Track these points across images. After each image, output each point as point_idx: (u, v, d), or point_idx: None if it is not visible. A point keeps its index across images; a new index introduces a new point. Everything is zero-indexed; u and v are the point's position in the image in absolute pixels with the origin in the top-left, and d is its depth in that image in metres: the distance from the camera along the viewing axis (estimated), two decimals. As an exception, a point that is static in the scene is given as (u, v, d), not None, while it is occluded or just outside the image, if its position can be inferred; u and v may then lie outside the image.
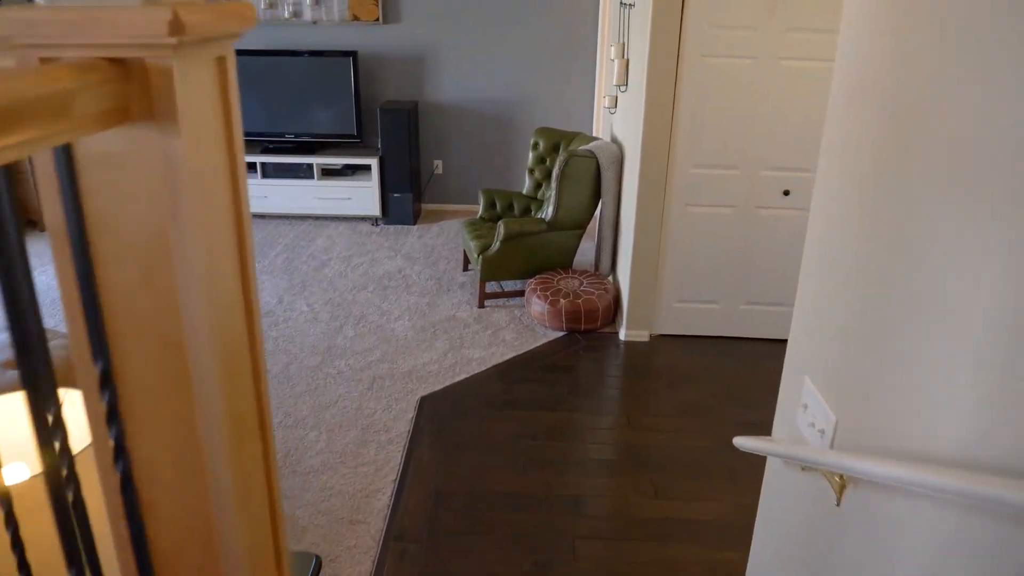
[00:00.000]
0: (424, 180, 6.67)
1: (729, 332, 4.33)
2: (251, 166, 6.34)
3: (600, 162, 4.52)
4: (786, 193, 3.99)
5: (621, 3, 4.71)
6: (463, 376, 3.95)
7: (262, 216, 6.44)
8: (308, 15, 6.16)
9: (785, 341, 2.94)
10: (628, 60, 4.46)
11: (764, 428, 3.42)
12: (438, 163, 6.61)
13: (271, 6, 6.13)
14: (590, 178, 4.54)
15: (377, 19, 6.12)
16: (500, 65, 6.26)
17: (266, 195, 6.27)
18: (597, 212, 4.87)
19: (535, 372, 4.00)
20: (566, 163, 4.45)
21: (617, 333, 4.42)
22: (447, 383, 3.88)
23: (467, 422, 3.55)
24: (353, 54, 5.96)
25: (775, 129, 3.88)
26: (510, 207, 5.24)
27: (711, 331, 4.34)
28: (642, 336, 4.33)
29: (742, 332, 4.33)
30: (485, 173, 6.62)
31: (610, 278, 4.86)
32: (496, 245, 4.61)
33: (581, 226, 4.70)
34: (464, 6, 6.11)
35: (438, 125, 6.48)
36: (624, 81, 4.50)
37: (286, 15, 6.14)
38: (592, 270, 4.91)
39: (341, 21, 6.14)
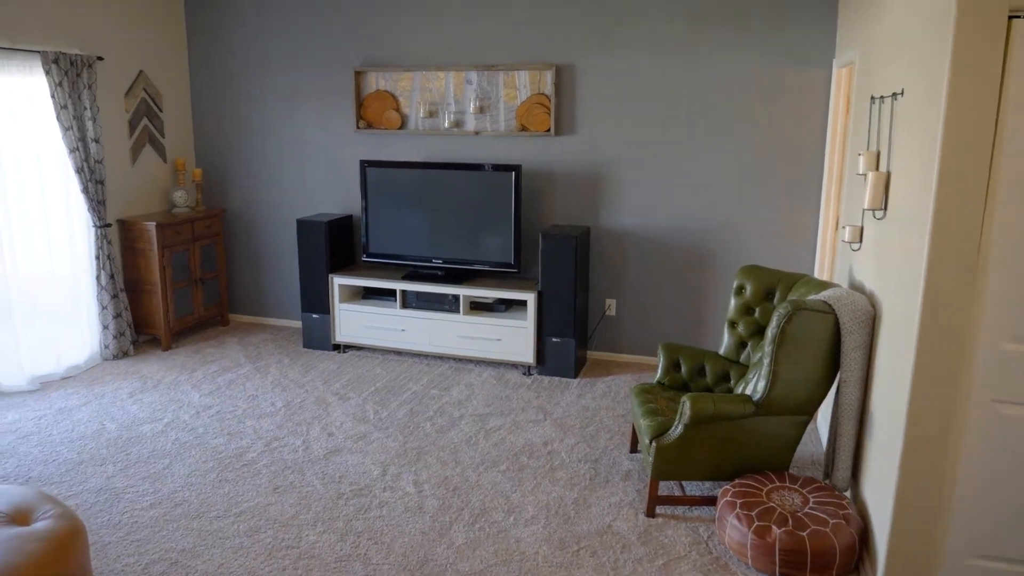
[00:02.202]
0: (592, 323, 5.42)
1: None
2: (390, 293, 5.43)
3: (840, 320, 3.03)
4: None
5: (873, 96, 3.32)
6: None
7: (398, 352, 5.46)
8: (471, 125, 5.32)
9: None
10: (889, 174, 3.02)
11: None
12: (611, 303, 5.35)
13: (430, 115, 5.37)
14: (823, 342, 3.04)
15: (548, 130, 5.14)
16: (693, 185, 5.00)
17: (403, 328, 5.30)
18: (832, 391, 3.32)
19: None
20: (788, 318, 3.00)
21: (866, 593, 2.76)
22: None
23: None
24: (516, 168, 4.98)
25: None
26: (700, 372, 3.81)
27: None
28: (912, 608, 2.63)
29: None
30: (669, 321, 5.25)
31: (849, 495, 3.22)
32: (677, 428, 3.18)
33: (807, 411, 3.17)
34: (651, 115, 4.99)
35: (613, 256, 5.28)
36: (881, 204, 3.05)
37: (446, 124, 5.34)
38: (821, 478, 3.29)
39: (507, 132, 5.23)
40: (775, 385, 3.08)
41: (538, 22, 5.07)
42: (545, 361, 5.06)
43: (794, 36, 4.66)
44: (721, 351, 3.87)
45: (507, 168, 5.00)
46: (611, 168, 5.14)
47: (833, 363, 3.09)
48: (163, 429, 4.17)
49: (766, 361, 3.08)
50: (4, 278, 4.57)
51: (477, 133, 5.29)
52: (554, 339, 5.01)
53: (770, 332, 3.05)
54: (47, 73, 4.58)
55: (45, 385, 4.80)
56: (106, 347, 5.23)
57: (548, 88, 5.10)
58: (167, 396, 4.64)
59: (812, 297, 3.18)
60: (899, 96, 2.93)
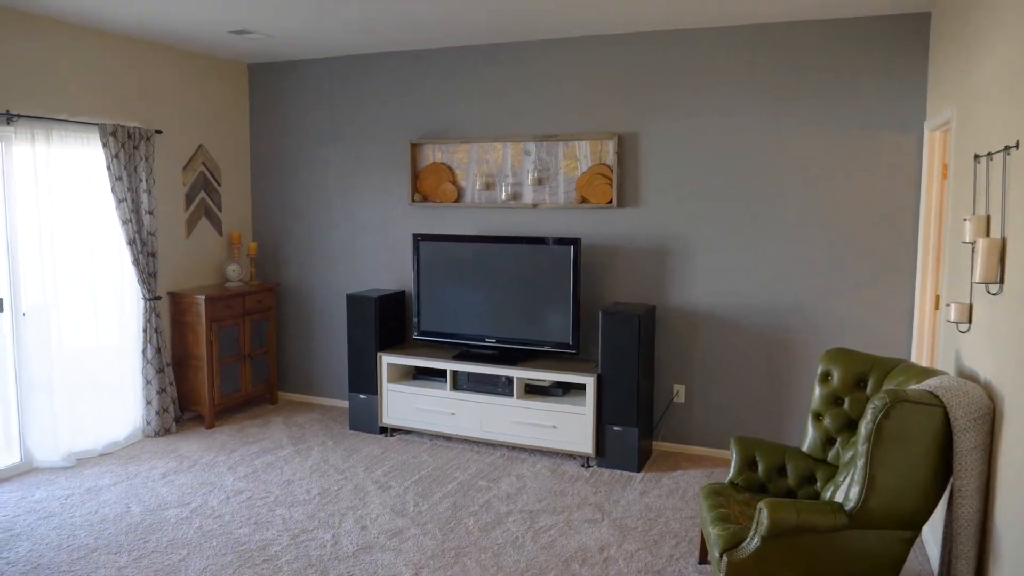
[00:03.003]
0: (658, 411, 4.94)
1: None
2: (440, 374, 5.11)
3: (951, 414, 2.51)
4: None
5: (977, 155, 2.88)
6: None
7: (447, 438, 5.09)
8: (528, 197, 5.07)
9: None
10: (1004, 240, 2.55)
11: None
12: (679, 389, 4.88)
13: (487, 187, 5.15)
14: (931, 441, 2.52)
15: (610, 202, 4.83)
16: (770, 260, 4.56)
17: (453, 411, 4.94)
18: (943, 502, 2.78)
19: None
20: (885, 411, 2.51)
21: None
22: None
23: None
24: (575, 242, 4.66)
25: None
26: (780, 471, 3.29)
27: None
28: None
29: None
30: (745, 411, 4.73)
31: (972, 631, 2.62)
32: (753, 541, 2.68)
33: (912, 525, 2.62)
34: (722, 186, 4.62)
35: (681, 338, 4.83)
36: (996, 277, 2.57)
37: (503, 197, 5.11)
38: (933, 608, 2.71)
39: (566, 204, 4.94)
40: (872, 492, 2.56)
41: (599, 90, 4.84)
42: (605, 452, 4.59)
43: (878, 100, 4.26)
44: (804, 447, 3.36)
45: (565, 241, 4.69)
46: (678, 242, 4.76)
47: (943, 467, 2.56)
48: (188, 515, 3.88)
49: (860, 462, 2.57)
50: (47, 351, 4.47)
51: (535, 206, 5.03)
52: (615, 427, 4.55)
53: (864, 428, 2.56)
54: (104, 145, 4.59)
55: (82, 462, 4.62)
56: (148, 423, 5.05)
57: (610, 158, 4.83)
58: (200, 478, 4.38)
59: (914, 387, 2.68)
60: (1012, 150, 2.50)
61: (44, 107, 4.36)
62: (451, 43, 5.11)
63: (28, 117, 4.24)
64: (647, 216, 4.82)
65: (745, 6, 4.09)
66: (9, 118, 4.15)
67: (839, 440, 3.24)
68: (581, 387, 4.79)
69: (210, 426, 5.27)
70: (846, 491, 2.66)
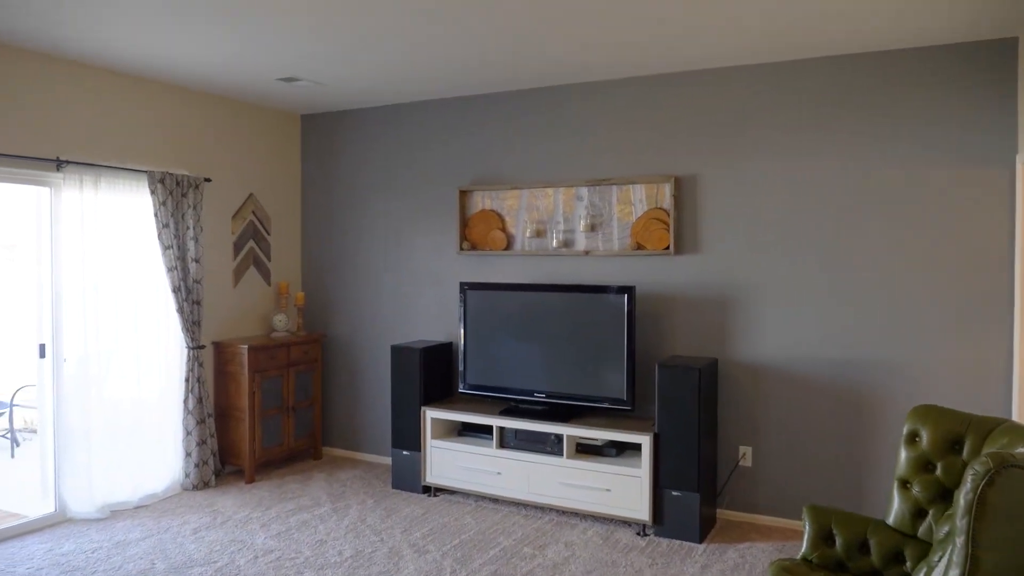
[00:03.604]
0: (722, 475, 4.51)
1: None
2: (486, 430, 4.81)
3: (1071, 484, 2.09)
4: None
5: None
6: None
7: (493, 499, 4.76)
8: (581, 244, 4.82)
9: None
10: None
11: None
12: (745, 451, 4.45)
13: (537, 234, 4.93)
14: (1048, 516, 2.10)
15: (667, 248, 4.54)
16: (846, 310, 4.16)
17: (499, 471, 4.63)
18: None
19: None
20: (988, 478, 2.10)
21: None
22: None
23: None
24: (629, 290, 4.37)
25: None
26: (862, 548, 2.86)
27: None
28: None
29: None
30: (819, 476, 4.27)
31: None
32: (829, 630, 2.27)
33: (1028, 618, 2.17)
34: (791, 230, 4.28)
35: (747, 395, 4.44)
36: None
37: (554, 244, 4.87)
38: None
39: (621, 251, 4.67)
40: (977, 574, 2.13)
41: (654, 130, 4.61)
42: (663, 519, 4.19)
43: (964, 132, 3.89)
44: (890, 520, 2.92)
45: (619, 290, 4.41)
46: (742, 290, 4.42)
47: (1065, 548, 2.12)
48: (212, 575, 3.65)
49: (959, 540, 2.16)
50: (87, 398, 4.39)
51: (587, 253, 4.77)
52: (674, 492, 4.15)
53: (963, 498, 2.15)
54: (152, 192, 4.59)
55: (116, 514, 4.48)
56: (187, 476, 4.91)
57: (667, 202, 4.55)
58: (231, 535, 4.16)
59: (1022, 450, 2.26)
60: None
61: (93, 154, 4.39)
62: (499, 88, 4.99)
63: (77, 163, 4.26)
64: (707, 263, 4.50)
65: (810, 38, 3.82)
66: (59, 164, 4.18)
67: (931, 512, 2.80)
68: (636, 447, 4.42)
69: (250, 481, 5.08)
70: (943, 574, 2.23)
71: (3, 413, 6.03)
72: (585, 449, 4.53)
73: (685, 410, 4.13)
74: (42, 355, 4.30)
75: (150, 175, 4.59)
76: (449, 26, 3.67)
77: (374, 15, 3.50)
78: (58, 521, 4.32)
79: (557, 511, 4.56)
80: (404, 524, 4.37)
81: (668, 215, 4.54)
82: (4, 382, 6.13)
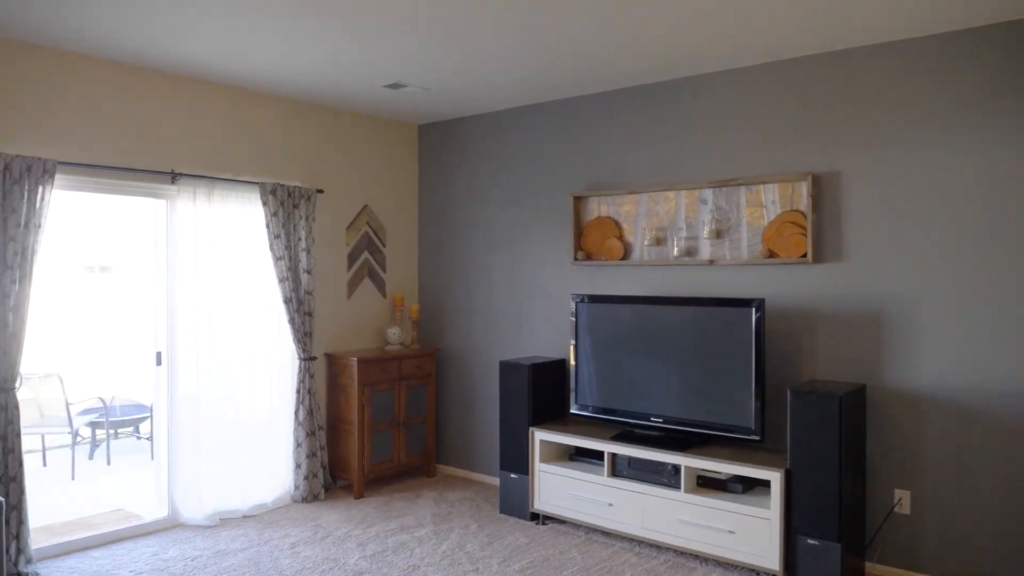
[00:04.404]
0: (872, 523, 3.83)
1: None
2: (597, 455, 4.41)
3: None
4: None
5: None
6: None
7: (605, 533, 4.34)
8: (705, 252, 4.33)
9: None
10: None
11: None
12: (902, 496, 3.75)
13: (657, 242, 4.49)
14: None
15: (804, 255, 3.95)
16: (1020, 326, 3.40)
17: (611, 502, 4.21)
18: None
19: None
20: None
21: None
22: None
23: None
24: (757, 304, 3.84)
25: None
26: (1043, 634, 2.20)
27: None
28: None
29: None
30: (997, 530, 3.50)
31: None
32: None
33: None
34: (955, 234, 3.57)
35: (904, 428, 3.74)
36: None
37: (675, 253, 4.41)
38: None
39: (750, 259, 4.13)
40: None
41: (787, 123, 4.05)
42: (796, 570, 3.59)
43: None
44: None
45: (743, 303, 3.88)
46: (897, 306, 3.74)
47: None
48: (297, 594, 3.52)
49: None
50: (198, 406, 4.46)
51: (712, 262, 4.27)
52: (810, 540, 3.55)
53: None
54: (264, 204, 4.62)
55: (224, 522, 4.50)
56: (296, 488, 4.88)
57: (803, 203, 3.97)
58: (326, 553, 4.03)
59: None
60: None
61: (207, 166, 4.47)
62: (614, 86, 4.61)
63: (190, 176, 4.36)
64: (852, 272, 3.86)
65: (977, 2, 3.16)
66: (174, 177, 4.29)
67: None
68: (765, 484, 3.85)
69: (358, 496, 4.98)
70: None
71: (143, 418, 6.32)
72: (706, 483, 4.01)
73: (824, 444, 3.52)
74: (159, 363, 4.41)
75: (261, 186, 4.63)
76: (556, 18, 3.37)
77: (477, 11, 3.26)
78: (170, 526, 4.40)
79: (674, 551, 4.07)
80: (504, 554, 4.05)
81: (805, 218, 3.95)
82: (132, 389, 6.53)
